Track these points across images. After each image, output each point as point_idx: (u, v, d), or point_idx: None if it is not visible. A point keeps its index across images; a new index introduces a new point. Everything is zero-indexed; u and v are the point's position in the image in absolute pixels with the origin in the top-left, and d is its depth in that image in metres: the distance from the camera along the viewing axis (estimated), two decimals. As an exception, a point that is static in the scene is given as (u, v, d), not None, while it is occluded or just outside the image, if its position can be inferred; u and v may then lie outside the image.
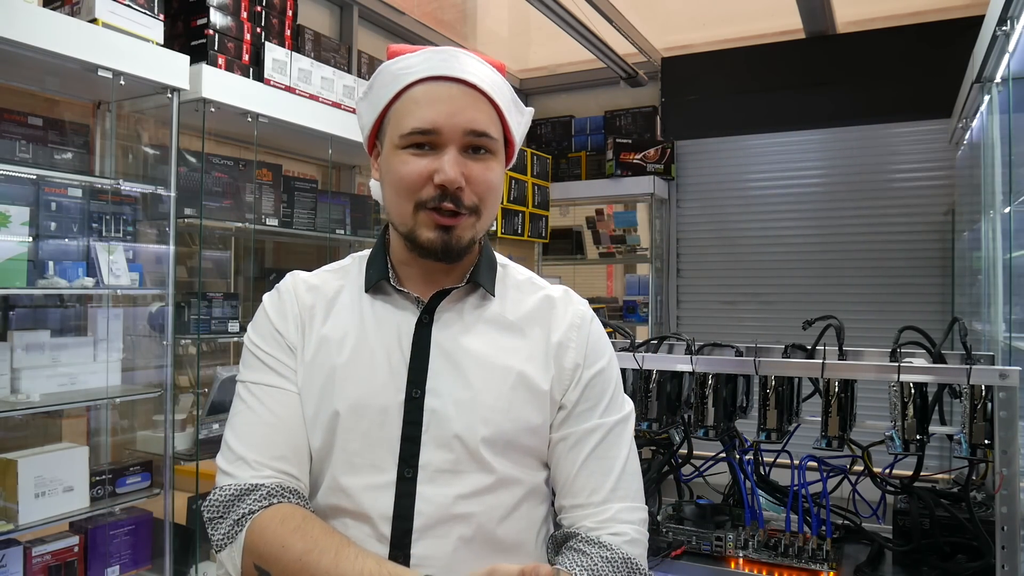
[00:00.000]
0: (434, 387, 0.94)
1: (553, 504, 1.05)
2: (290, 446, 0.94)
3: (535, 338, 0.99)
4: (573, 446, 0.97)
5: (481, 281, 1.00)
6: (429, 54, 0.95)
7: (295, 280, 1.05)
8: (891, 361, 1.63)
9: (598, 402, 0.99)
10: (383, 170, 0.98)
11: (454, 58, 0.94)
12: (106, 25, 2.15)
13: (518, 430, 0.95)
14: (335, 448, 0.95)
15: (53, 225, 2.21)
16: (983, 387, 1.54)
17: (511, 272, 1.06)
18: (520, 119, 1.02)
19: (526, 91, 5.01)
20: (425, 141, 0.92)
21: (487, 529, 0.93)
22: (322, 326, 1.00)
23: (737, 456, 1.84)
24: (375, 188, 1.04)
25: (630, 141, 4.39)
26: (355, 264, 1.06)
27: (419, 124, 0.92)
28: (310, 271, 1.09)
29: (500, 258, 1.08)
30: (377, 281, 1.00)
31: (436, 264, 0.98)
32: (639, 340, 2.01)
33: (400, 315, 0.99)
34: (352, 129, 3.04)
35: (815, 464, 1.75)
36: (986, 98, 2.60)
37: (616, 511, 0.95)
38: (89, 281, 2.23)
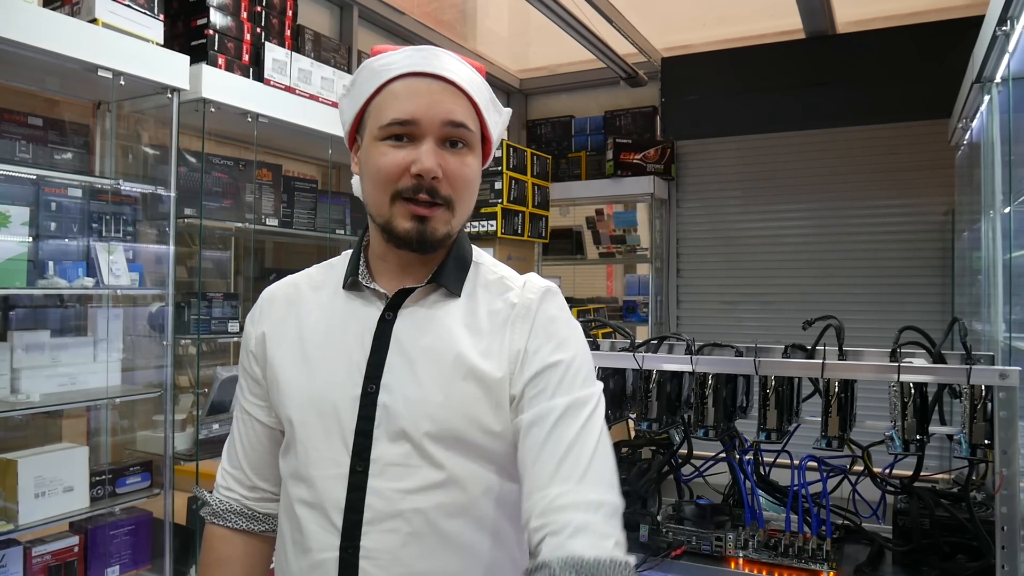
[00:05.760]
0: (388, 383, 0.96)
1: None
2: (249, 464, 1.11)
3: (494, 337, 0.97)
4: (525, 434, 0.92)
5: (444, 281, 1.00)
6: (410, 52, 0.97)
7: (262, 298, 1.11)
8: (891, 361, 1.63)
9: (546, 386, 0.93)
10: (362, 163, 1.00)
11: (434, 56, 0.96)
12: (106, 25, 2.15)
13: (469, 427, 0.94)
14: (299, 440, 0.99)
15: (53, 225, 2.21)
16: (983, 387, 1.54)
17: (483, 271, 1.05)
18: (498, 118, 1.03)
19: (526, 91, 5.02)
20: (404, 132, 0.94)
21: (438, 525, 0.93)
22: (296, 325, 1.04)
23: (737, 456, 1.84)
24: (356, 184, 1.06)
25: (630, 141, 4.39)
26: (342, 260, 1.09)
27: (398, 115, 0.93)
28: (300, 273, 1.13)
29: (479, 255, 1.07)
30: (349, 277, 1.03)
31: (411, 257, 0.99)
32: (639, 340, 2.01)
33: (366, 311, 1.01)
34: (352, 129, 3.03)
35: (815, 464, 1.75)
36: (986, 98, 2.60)
37: (553, 498, 0.85)
38: (89, 281, 2.23)
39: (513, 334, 0.97)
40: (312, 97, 2.87)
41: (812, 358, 1.77)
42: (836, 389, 1.69)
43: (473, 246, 1.08)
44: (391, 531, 0.92)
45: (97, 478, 2.23)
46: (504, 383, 0.95)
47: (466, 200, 0.99)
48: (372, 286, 1.01)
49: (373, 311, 1.00)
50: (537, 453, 0.89)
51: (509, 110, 1.07)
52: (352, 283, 1.03)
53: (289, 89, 2.78)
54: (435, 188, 0.94)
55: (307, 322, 1.04)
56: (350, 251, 1.08)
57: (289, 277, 1.12)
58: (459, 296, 1.00)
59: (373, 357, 0.97)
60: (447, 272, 1.00)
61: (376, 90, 0.97)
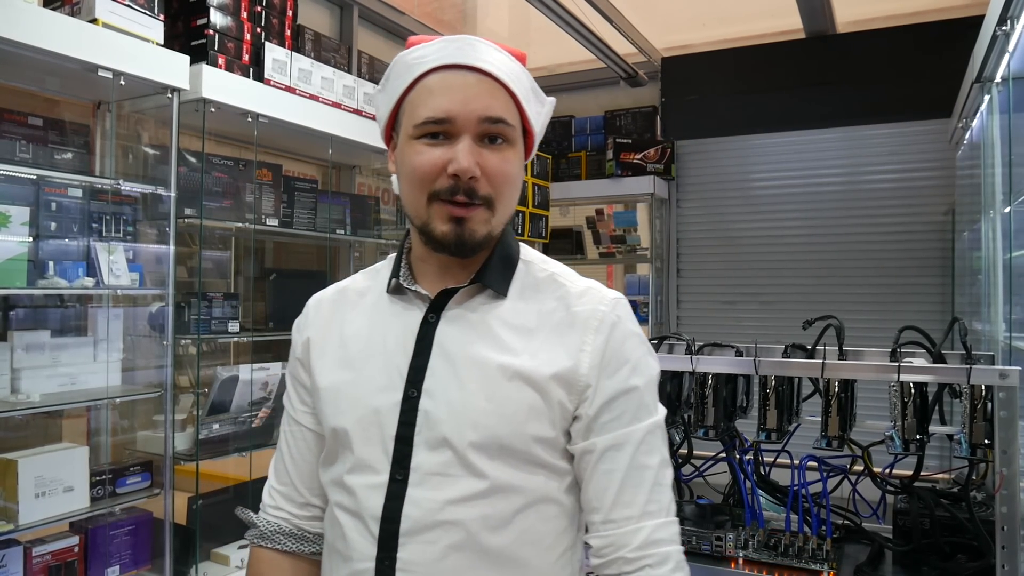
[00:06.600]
0: (430, 387, 0.92)
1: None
2: (300, 479, 1.06)
3: (545, 341, 0.93)
4: (599, 459, 0.91)
5: (488, 281, 0.95)
6: (444, 43, 0.92)
7: (309, 305, 1.08)
8: (891, 361, 1.63)
9: (624, 411, 0.92)
10: (398, 162, 0.95)
11: (470, 46, 0.92)
12: (106, 25, 2.15)
13: (515, 435, 0.89)
14: (340, 447, 0.96)
15: (53, 225, 2.21)
16: (983, 387, 1.54)
17: (533, 269, 1.00)
18: (540, 109, 0.99)
19: (526, 91, 5.01)
20: (439, 130, 0.90)
21: (479, 538, 0.88)
22: (340, 331, 1.01)
23: (737, 456, 1.84)
24: (395, 182, 1.03)
25: (630, 141, 4.39)
26: (387, 264, 1.05)
27: (432, 113, 0.89)
28: (339, 279, 1.11)
29: (527, 252, 1.02)
30: (391, 280, 0.99)
31: (451, 259, 0.95)
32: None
33: (409, 314, 0.97)
34: (352, 129, 3.04)
35: (815, 464, 1.75)
36: (986, 98, 2.60)
37: (651, 531, 0.90)
38: (89, 281, 2.23)
39: (579, 343, 0.92)
40: (312, 97, 2.87)
41: (812, 358, 1.77)
42: (836, 389, 1.69)
43: (521, 244, 1.03)
44: (429, 543, 0.88)
45: (97, 478, 2.23)
46: (555, 383, 0.91)
47: (507, 198, 0.93)
48: (414, 288, 0.97)
49: (416, 314, 0.96)
50: (621, 481, 0.90)
51: (552, 100, 1.01)
52: (395, 286, 0.99)
53: (289, 89, 2.78)
54: (473, 188, 0.89)
55: (350, 328, 1.00)
56: (394, 255, 1.04)
57: (336, 283, 1.09)
58: (506, 296, 0.96)
59: (415, 361, 0.93)
60: (491, 271, 0.96)
61: (410, 85, 0.92)
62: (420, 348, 0.94)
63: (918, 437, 1.61)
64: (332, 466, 0.98)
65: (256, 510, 1.10)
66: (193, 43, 2.53)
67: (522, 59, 0.97)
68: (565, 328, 0.93)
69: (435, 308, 0.96)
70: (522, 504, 0.90)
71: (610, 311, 0.94)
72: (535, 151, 1.01)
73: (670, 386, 1.87)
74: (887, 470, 1.78)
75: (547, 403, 0.91)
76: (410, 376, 0.93)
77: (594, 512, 0.92)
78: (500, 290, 0.95)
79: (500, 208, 0.93)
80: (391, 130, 0.98)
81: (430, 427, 0.90)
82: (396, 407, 0.92)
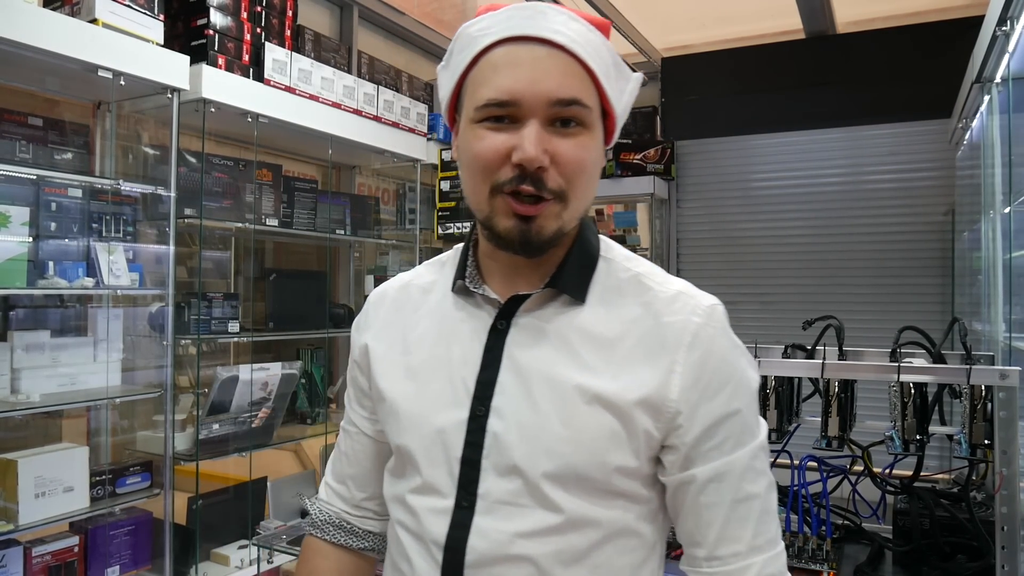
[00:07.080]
0: (499, 406, 0.82)
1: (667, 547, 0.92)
2: (355, 481, 1.02)
3: (628, 356, 0.82)
4: (701, 491, 0.82)
5: (563, 286, 0.84)
6: (512, 11, 0.80)
7: (368, 302, 1.01)
8: (891, 361, 1.63)
9: (727, 437, 0.81)
10: (459, 148, 0.84)
11: (541, 15, 0.79)
12: (106, 25, 2.16)
13: (594, 465, 0.80)
14: (403, 465, 0.90)
15: (53, 225, 2.21)
16: (983, 387, 1.54)
17: (615, 268, 0.88)
18: (624, 86, 0.86)
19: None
20: (503, 113, 0.78)
21: (551, 573, 0.80)
22: (403, 336, 0.93)
23: (737, 456, 1.84)
24: None
25: (630, 141, 4.39)
26: (453, 257, 0.95)
27: (495, 94, 0.78)
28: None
29: (609, 248, 0.91)
30: (457, 280, 0.90)
31: (520, 258, 0.84)
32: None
33: (476, 320, 0.87)
34: (352, 129, 3.04)
35: (815, 464, 1.75)
36: (986, 98, 2.60)
37: (761, 566, 0.81)
38: (89, 281, 2.23)
39: (670, 363, 0.81)
40: (312, 97, 2.87)
41: (812, 358, 1.77)
42: (836, 389, 1.69)
43: (602, 236, 0.92)
44: None
45: (97, 478, 2.23)
46: (640, 410, 0.80)
47: (581, 189, 0.81)
48: (481, 291, 0.87)
49: (484, 319, 0.86)
50: (726, 516, 0.81)
51: (639, 75, 0.88)
52: (461, 287, 0.89)
53: (289, 89, 2.78)
54: (541, 179, 0.77)
55: (413, 333, 0.91)
56: (461, 245, 0.94)
57: (401, 276, 1.00)
58: (583, 302, 0.85)
59: (483, 374, 0.84)
60: (567, 274, 0.85)
61: (472, 60, 0.81)
62: (488, 360, 0.84)
63: (918, 437, 1.61)
64: (399, 481, 0.91)
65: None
66: (193, 43, 2.53)
67: (604, 28, 0.84)
68: (654, 343, 0.82)
69: (505, 314, 0.86)
70: (599, 538, 0.81)
71: (705, 322, 0.83)
72: (617, 135, 0.88)
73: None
74: (887, 470, 1.78)
75: (629, 431, 0.80)
76: (477, 391, 0.83)
77: (695, 546, 0.84)
78: (577, 296, 0.85)
79: (574, 201, 0.81)
80: (454, 112, 0.87)
81: (499, 452, 0.81)
82: (462, 426, 0.83)
